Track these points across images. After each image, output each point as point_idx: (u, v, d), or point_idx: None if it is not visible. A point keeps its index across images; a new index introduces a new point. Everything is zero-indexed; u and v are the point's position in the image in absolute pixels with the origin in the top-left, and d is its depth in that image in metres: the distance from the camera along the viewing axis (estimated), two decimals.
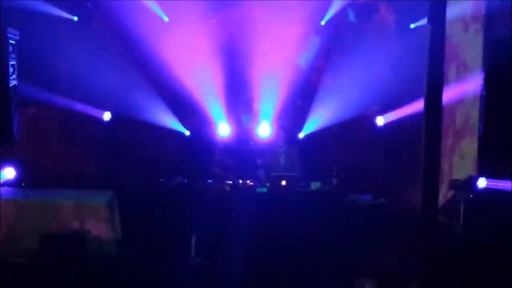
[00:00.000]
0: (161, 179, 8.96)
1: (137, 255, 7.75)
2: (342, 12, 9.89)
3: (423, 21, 8.74)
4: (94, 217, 7.95)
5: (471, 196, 7.75)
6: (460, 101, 8.14)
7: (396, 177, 9.52)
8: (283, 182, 8.67)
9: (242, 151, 9.94)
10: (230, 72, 10.15)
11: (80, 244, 7.48)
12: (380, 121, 10.05)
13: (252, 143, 10.13)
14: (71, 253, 7.25)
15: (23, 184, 8.65)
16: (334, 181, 8.97)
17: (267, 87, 9.99)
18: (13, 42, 8.12)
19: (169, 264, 7.52)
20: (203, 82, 9.96)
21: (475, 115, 8.19)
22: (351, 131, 10.13)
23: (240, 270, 7.20)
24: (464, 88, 8.15)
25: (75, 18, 9.64)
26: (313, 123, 10.10)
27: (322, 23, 10.00)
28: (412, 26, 9.53)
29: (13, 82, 8.17)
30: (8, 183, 8.48)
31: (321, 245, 8.02)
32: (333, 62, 10.02)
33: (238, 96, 10.37)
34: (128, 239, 8.19)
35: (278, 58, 9.81)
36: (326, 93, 10.00)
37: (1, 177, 8.31)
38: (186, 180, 9.01)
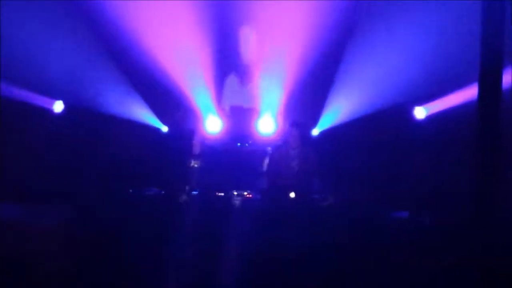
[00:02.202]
0: (131, 190, 8.55)
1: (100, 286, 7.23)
2: None
3: None
4: (44, 239, 7.33)
5: None
6: None
7: (443, 186, 9.24)
8: (292, 194, 8.25)
9: (238, 152, 9.60)
10: (222, 51, 9.91)
11: (26, 272, 6.97)
12: (420, 113, 9.77)
13: (250, 141, 9.72)
14: (16, 283, 6.83)
15: None
16: (360, 192, 8.61)
17: (270, 71, 9.63)
18: None
19: None
20: (186, 64, 9.70)
21: None
22: (381, 127, 9.85)
23: None
24: None
25: None
26: (331, 117, 9.90)
27: None
28: None
29: None
30: None
31: (343, 277, 7.24)
32: (358, 40, 9.69)
33: (231, 82, 9.90)
34: (89, 267, 7.32)
35: (284, 34, 9.50)
36: (349, 77, 9.75)
37: None
38: (163, 192, 8.57)
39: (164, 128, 10.13)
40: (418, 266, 7.46)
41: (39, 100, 9.76)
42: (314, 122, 9.96)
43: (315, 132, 9.96)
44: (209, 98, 9.83)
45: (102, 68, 9.92)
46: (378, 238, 7.68)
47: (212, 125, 9.66)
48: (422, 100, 9.85)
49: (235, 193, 8.55)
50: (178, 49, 9.69)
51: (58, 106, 9.88)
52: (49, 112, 9.91)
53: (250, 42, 9.74)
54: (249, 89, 9.89)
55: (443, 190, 9.30)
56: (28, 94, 9.63)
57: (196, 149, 9.53)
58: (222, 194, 8.49)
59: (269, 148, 9.44)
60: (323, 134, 9.94)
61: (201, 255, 7.50)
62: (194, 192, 8.62)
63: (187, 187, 8.81)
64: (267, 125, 9.66)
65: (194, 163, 9.45)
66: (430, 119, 9.83)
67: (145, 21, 9.62)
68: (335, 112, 9.94)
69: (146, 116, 10.11)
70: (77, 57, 9.81)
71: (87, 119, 9.94)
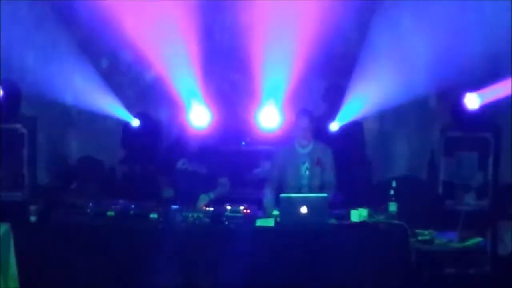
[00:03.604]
0: (90, 204, 7.48)
1: None
2: None
3: None
4: None
5: None
6: None
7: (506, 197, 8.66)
8: (303, 209, 7.18)
9: (232, 153, 9.08)
10: (212, 25, 9.41)
11: None
12: (472, 101, 8.85)
13: (248, 139, 9.33)
14: None
15: None
16: (392, 208, 7.33)
17: (274, 51, 8.99)
18: None
19: None
20: (165, 39, 9.03)
21: None
22: (422, 121, 9.33)
23: None
24: None
25: None
26: (354, 108, 9.23)
27: None
28: None
29: None
30: None
31: None
32: (392, 7, 9.04)
33: (223, 63, 9.53)
34: None
35: (292, 6, 8.87)
36: (379, 54, 9.05)
37: None
38: (133, 206, 7.51)
39: (135, 122, 9.44)
40: None
41: None
42: (332, 113, 9.23)
43: (334, 126, 9.23)
44: (194, 81, 9.14)
45: (55, 47, 9.27)
46: (414, 265, 6.90)
47: (198, 117, 8.79)
48: (475, 84, 8.90)
49: (229, 207, 7.50)
50: (158, 28, 9.08)
51: None
52: None
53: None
54: (247, 70, 9.33)
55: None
56: None
57: (177, 148, 8.48)
58: (212, 209, 7.46)
59: (272, 148, 8.68)
60: (344, 129, 9.25)
61: (181, 283, 6.98)
62: (174, 207, 7.47)
63: (163, 200, 7.83)
64: (270, 117, 9.11)
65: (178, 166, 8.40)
66: (486, 109, 8.92)
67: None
68: (360, 101, 9.17)
69: (111, 106, 9.42)
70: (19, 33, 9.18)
71: (34, 108, 9.26)
